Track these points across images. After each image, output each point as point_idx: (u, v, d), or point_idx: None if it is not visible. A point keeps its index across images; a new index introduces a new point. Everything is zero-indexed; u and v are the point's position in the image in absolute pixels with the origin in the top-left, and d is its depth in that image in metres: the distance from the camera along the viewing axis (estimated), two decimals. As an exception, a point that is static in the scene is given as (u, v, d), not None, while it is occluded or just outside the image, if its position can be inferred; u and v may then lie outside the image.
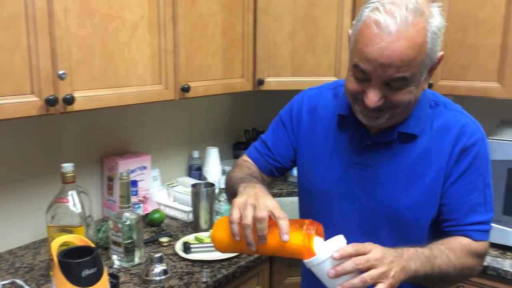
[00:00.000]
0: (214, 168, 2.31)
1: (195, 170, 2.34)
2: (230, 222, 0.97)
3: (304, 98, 1.29)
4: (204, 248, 1.70)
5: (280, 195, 2.34)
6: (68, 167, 1.44)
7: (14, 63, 1.27)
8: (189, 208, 1.98)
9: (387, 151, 1.13)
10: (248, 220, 0.95)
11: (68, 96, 1.38)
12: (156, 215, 1.94)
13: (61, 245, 1.16)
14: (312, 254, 0.95)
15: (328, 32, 2.10)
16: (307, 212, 1.27)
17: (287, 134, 1.29)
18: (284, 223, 0.95)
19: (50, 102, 1.34)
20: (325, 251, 0.94)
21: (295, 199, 1.37)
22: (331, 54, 2.12)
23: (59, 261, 1.10)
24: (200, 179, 2.27)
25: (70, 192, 1.45)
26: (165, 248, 1.73)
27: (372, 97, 1.00)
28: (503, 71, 1.84)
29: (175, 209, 2.03)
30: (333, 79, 1.91)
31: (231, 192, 1.16)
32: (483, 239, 1.11)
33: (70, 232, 1.42)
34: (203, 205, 1.85)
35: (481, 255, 1.11)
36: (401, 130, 1.11)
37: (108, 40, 1.50)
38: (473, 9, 1.87)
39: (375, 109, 1.02)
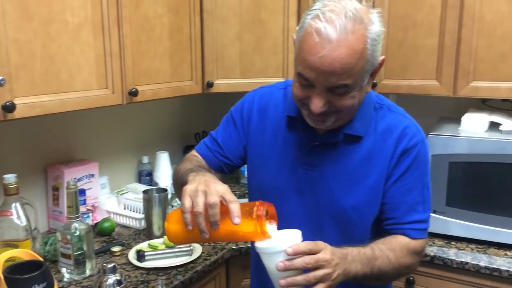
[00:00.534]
0: (165, 173, 2.26)
1: (146, 176, 2.29)
2: (183, 212, 0.97)
3: (256, 96, 1.30)
4: (159, 255, 1.67)
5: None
6: (10, 178, 1.37)
7: None
8: (141, 215, 1.94)
9: (333, 152, 1.16)
10: (200, 207, 0.95)
11: (8, 104, 1.31)
12: (106, 224, 1.88)
13: (6, 261, 1.11)
14: (263, 236, 0.97)
15: (274, 34, 2.12)
16: None
17: (237, 131, 1.30)
18: (235, 207, 0.96)
19: (-11, 110, 1.27)
20: (279, 243, 0.96)
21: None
22: (278, 55, 2.15)
23: (6, 278, 1.05)
24: (151, 185, 2.23)
25: (13, 205, 1.38)
26: (117, 257, 1.68)
27: (317, 103, 1.02)
28: (440, 69, 1.94)
29: (126, 216, 1.97)
30: (281, 80, 1.93)
31: (180, 183, 1.14)
32: (420, 237, 1.16)
33: (16, 246, 1.36)
34: (156, 211, 1.81)
35: (419, 253, 1.16)
36: (347, 131, 1.14)
37: (50, 44, 1.44)
38: (412, 11, 1.96)
39: (320, 113, 1.05)
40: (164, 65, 1.89)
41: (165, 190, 1.89)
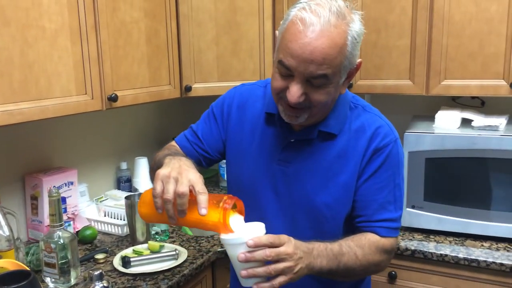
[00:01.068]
0: (144, 179, 2.24)
1: (124, 182, 2.26)
2: (153, 196, 1.00)
3: (236, 93, 1.33)
4: (144, 261, 1.66)
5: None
6: (-9, 188, 1.33)
7: None
8: (123, 222, 1.92)
9: (308, 148, 1.19)
10: (170, 195, 0.98)
11: (-13, 112, 1.29)
12: (88, 232, 1.85)
13: (-7, 272, 1.08)
14: (228, 229, 1.00)
15: (251, 37, 2.14)
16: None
17: (217, 126, 1.32)
18: (202, 198, 0.98)
19: (-32, 118, 1.24)
20: (242, 234, 0.99)
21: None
22: (255, 58, 2.17)
23: (-6, 289, 1.02)
24: (130, 191, 2.20)
25: (-5, 215, 1.34)
26: (102, 265, 1.66)
27: (294, 92, 1.04)
28: (413, 69, 2.00)
29: (108, 223, 1.95)
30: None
31: (156, 167, 1.13)
32: (390, 235, 1.18)
33: (-1, 257, 1.32)
34: (139, 217, 1.79)
35: (388, 252, 1.18)
36: (321, 128, 1.17)
37: (28, 51, 1.42)
38: (384, 13, 2.01)
39: (295, 107, 1.07)
40: (143, 70, 1.88)
41: (147, 195, 1.88)
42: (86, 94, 1.63)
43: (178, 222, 1.03)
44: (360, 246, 1.12)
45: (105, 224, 1.96)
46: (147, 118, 2.45)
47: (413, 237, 1.88)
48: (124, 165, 2.26)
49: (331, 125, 1.17)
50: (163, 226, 1.95)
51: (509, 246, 1.77)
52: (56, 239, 1.48)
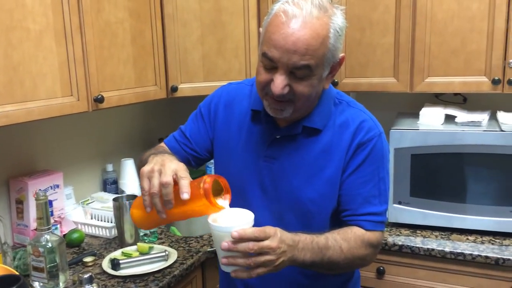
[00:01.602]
0: (131, 180, 2.23)
1: (111, 184, 2.24)
2: (142, 195, 1.02)
3: (224, 92, 1.34)
4: (134, 263, 1.64)
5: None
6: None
7: None
8: (111, 224, 1.90)
9: (293, 144, 1.20)
10: (155, 188, 1.00)
11: (-28, 115, 1.26)
12: (75, 235, 1.83)
13: (-18, 277, 1.06)
14: (214, 207, 1.02)
15: (236, 36, 2.14)
16: None
17: (205, 125, 1.33)
18: (184, 182, 1.00)
19: (-48, 122, 1.22)
20: (229, 224, 1.00)
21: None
22: (240, 58, 2.17)
23: (-16, 295, 1.01)
24: (116, 193, 2.18)
25: (-19, 220, 1.32)
26: (90, 268, 1.64)
27: (278, 84, 1.06)
28: (397, 67, 2.02)
29: (95, 226, 1.93)
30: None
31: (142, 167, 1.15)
32: (375, 229, 1.19)
33: (-14, 263, 1.30)
34: (127, 219, 1.78)
35: (374, 245, 1.19)
36: (305, 124, 1.18)
37: (12, 53, 1.40)
38: (368, 11, 2.03)
39: (279, 100, 1.09)
40: (128, 71, 1.86)
41: (135, 196, 1.87)
42: (71, 95, 1.61)
43: (168, 217, 1.03)
44: (346, 240, 1.13)
45: (93, 227, 1.94)
46: (133, 119, 2.43)
47: (400, 233, 1.90)
48: (110, 167, 2.24)
49: (315, 120, 1.18)
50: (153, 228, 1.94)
51: (493, 239, 1.80)
52: (44, 243, 1.46)
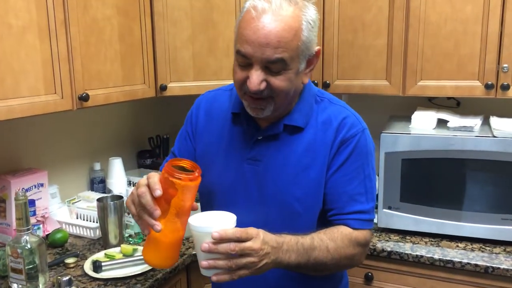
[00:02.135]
0: (119, 180, 2.19)
1: (98, 183, 2.21)
2: (136, 221, 1.04)
3: (202, 100, 1.33)
4: (117, 265, 1.61)
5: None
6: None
7: None
8: (95, 225, 1.87)
9: (275, 144, 1.18)
10: (137, 203, 1.02)
11: None
12: (59, 235, 1.80)
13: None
14: (185, 180, 1.00)
15: (228, 36, 2.11)
16: (207, 209, 1.27)
17: (189, 138, 1.32)
18: (151, 181, 1.01)
19: None
20: (210, 224, 0.98)
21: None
22: (232, 57, 2.11)
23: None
24: (104, 192, 2.15)
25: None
26: (72, 269, 1.61)
27: (254, 80, 1.05)
28: (390, 69, 1.99)
29: (80, 226, 1.90)
30: (236, 82, 1.92)
31: None
32: (363, 227, 1.17)
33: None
34: (112, 220, 1.75)
35: (362, 244, 1.17)
36: (286, 122, 1.17)
37: (-7, 48, 1.37)
38: (360, 12, 2.00)
39: (258, 98, 1.08)
40: (116, 69, 1.83)
41: (120, 197, 1.84)
42: (55, 93, 1.58)
43: (166, 228, 1.02)
44: (332, 239, 1.11)
45: (77, 227, 1.90)
46: (122, 118, 2.39)
47: (390, 238, 1.87)
48: (97, 166, 2.21)
49: (296, 118, 1.17)
50: (136, 228, 1.91)
51: (483, 247, 1.78)
52: (23, 244, 1.43)
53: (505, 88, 1.81)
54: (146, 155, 2.48)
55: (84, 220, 1.93)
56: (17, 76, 1.44)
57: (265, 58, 1.03)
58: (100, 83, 1.76)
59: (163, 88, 2.05)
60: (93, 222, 1.90)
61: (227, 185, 1.21)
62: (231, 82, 1.56)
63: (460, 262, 1.68)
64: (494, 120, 1.91)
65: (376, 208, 1.91)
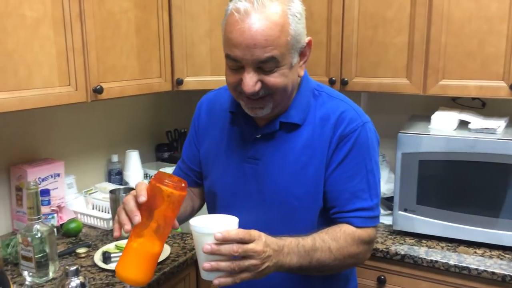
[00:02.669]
0: (135, 172, 2.21)
1: (115, 175, 2.23)
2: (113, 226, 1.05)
3: (204, 102, 1.33)
4: (124, 257, 1.62)
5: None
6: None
7: None
8: (109, 215, 1.89)
9: (273, 143, 1.16)
10: (123, 216, 1.00)
11: (-39, 101, 1.26)
12: (73, 225, 1.83)
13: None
14: (173, 188, 0.99)
15: (246, 31, 2.09)
16: (212, 211, 1.28)
17: (193, 143, 1.32)
18: (138, 188, 1.00)
19: None
20: (212, 225, 0.96)
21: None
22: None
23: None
24: (121, 184, 2.18)
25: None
26: (82, 259, 1.63)
27: (248, 82, 1.03)
28: (410, 67, 1.93)
29: (94, 217, 1.92)
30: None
31: None
32: (366, 225, 1.13)
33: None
34: (123, 212, 1.76)
35: (366, 242, 1.13)
36: (282, 120, 1.14)
37: (6, 39, 1.39)
38: (381, 8, 1.95)
39: (255, 98, 1.05)
40: (132, 62, 1.84)
41: (132, 189, 1.84)
42: (69, 85, 1.60)
43: (142, 242, 1.01)
44: (335, 239, 1.08)
45: (91, 217, 1.93)
46: (140, 110, 2.41)
47: (404, 241, 1.82)
48: (115, 158, 2.23)
49: (292, 115, 1.14)
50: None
51: (503, 254, 1.70)
52: (33, 233, 1.45)
53: (531, 89, 1.72)
54: (164, 149, 2.49)
55: (99, 211, 1.96)
56: (30, 68, 1.47)
57: (255, 59, 1.01)
58: (116, 76, 1.77)
59: (180, 82, 2.05)
60: (108, 213, 1.92)
61: (229, 185, 1.20)
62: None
63: (477, 269, 1.62)
64: (519, 123, 1.83)
65: (391, 210, 1.89)
